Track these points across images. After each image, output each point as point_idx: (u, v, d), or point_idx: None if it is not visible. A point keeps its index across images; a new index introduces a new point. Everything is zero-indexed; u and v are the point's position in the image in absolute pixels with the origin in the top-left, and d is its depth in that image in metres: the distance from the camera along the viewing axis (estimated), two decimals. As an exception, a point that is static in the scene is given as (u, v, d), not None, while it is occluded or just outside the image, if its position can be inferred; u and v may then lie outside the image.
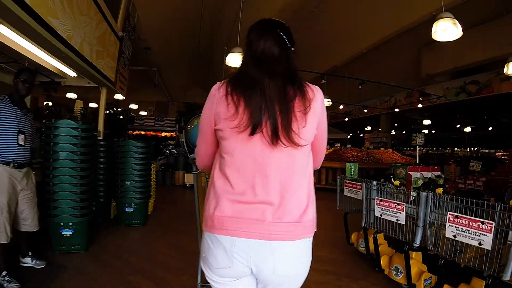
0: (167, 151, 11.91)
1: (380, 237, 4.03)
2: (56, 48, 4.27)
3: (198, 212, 2.78)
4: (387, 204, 3.43)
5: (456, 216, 2.66)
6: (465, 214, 2.72)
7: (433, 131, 29.98)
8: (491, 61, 11.36)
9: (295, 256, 1.35)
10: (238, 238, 1.29)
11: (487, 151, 23.74)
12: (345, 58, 11.60)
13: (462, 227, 2.63)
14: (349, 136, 23.00)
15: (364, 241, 4.32)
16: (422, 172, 7.15)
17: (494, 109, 17.67)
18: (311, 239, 1.42)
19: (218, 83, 1.38)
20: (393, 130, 23.47)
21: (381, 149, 15.00)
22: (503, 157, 18.70)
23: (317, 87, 1.41)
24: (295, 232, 1.32)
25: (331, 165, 11.49)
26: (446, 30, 4.91)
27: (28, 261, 3.76)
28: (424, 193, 3.09)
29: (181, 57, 13.94)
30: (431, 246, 3.01)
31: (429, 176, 7.21)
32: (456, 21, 4.78)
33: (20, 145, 3.43)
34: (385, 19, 8.90)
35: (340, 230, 5.48)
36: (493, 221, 2.50)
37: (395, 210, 3.33)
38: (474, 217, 2.61)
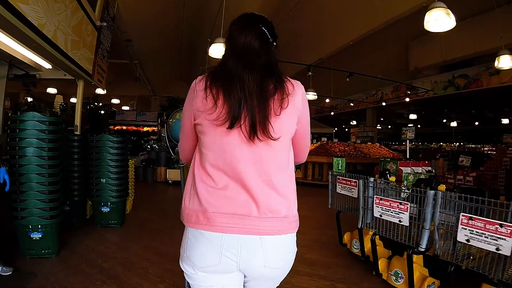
0: (148, 146, 11.48)
1: (376, 237, 3.72)
2: (27, 37, 4.01)
3: None
4: (388, 204, 3.09)
5: (471, 218, 2.34)
6: (469, 213, 2.45)
7: (419, 126, 29.96)
8: (481, 54, 11.27)
9: (284, 248, 1.36)
10: (227, 234, 1.28)
11: (473, 146, 23.80)
12: (332, 51, 11.37)
13: (477, 230, 2.32)
14: (334, 130, 22.80)
15: (358, 242, 3.99)
16: (412, 167, 6.99)
17: (482, 103, 17.62)
18: (295, 234, 1.42)
19: (199, 77, 1.37)
20: (378, 125, 23.33)
21: (368, 143, 14.83)
22: (489, 152, 18.87)
23: (298, 82, 1.41)
24: (281, 227, 1.32)
25: (318, 160, 11.26)
26: (438, 20, 4.75)
27: (-8, 268, 3.39)
28: (432, 192, 2.77)
29: (163, 50, 13.67)
30: (439, 251, 2.68)
31: (420, 171, 7.05)
32: (449, 11, 4.65)
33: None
34: (373, 10, 8.74)
35: (331, 228, 5.22)
36: (506, 221, 2.22)
37: (397, 210, 2.99)
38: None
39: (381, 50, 13.08)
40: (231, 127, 1.25)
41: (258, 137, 1.27)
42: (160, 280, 3.47)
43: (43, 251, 3.89)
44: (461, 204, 2.57)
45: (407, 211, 2.92)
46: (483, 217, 2.35)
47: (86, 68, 6.23)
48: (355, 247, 4.10)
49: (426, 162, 7.39)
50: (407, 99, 15.23)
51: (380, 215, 3.19)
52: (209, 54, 6.77)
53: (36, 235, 3.83)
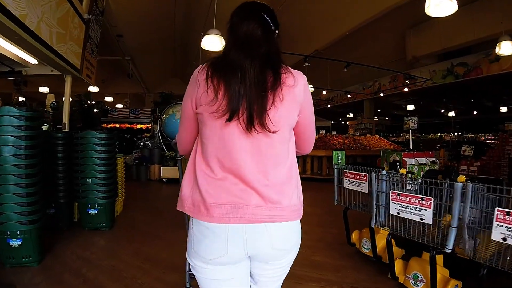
0: (141, 143, 11.11)
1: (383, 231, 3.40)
2: (8, 28, 3.73)
3: None
4: (407, 200, 2.71)
5: (508, 213, 2.00)
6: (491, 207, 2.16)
7: (416, 117, 29.55)
8: (481, 41, 11.09)
9: (289, 230, 1.37)
10: (231, 224, 1.28)
11: (473, 135, 23.60)
12: (327, 42, 11.25)
13: (517, 226, 1.98)
14: (331, 123, 22.51)
15: (369, 242, 3.61)
16: (417, 158, 6.72)
17: (482, 91, 17.34)
18: (298, 221, 1.43)
19: (200, 66, 1.36)
20: (375, 117, 23.04)
21: (368, 135, 14.58)
22: (487, 141, 18.75)
23: (300, 72, 1.39)
24: (282, 216, 1.33)
25: (317, 154, 10.91)
26: (439, 4, 4.46)
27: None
28: (460, 184, 2.39)
29: (156, 46, 13.49)
30: (470, 252, 2.33)
31: (424, 162, 6.78)
32: (452, -6, 4.31)
33: None
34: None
35: (334, 226, 4.94)
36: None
37: (418, 206, 2.62)
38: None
39: (377, 40, 12.94)
40: (229, 119, 1.25)
41: (255, 129, 1.26)
42: (150, 291, 3.12)
43: (23, 260, 3.56)
44: (488, 197, 2.26)
45: (430, 208, 2.55)
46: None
47: (73, 62, 5.92)
48: (365, 247, 3.72)
49: (430, 152, 7.16)
50: (406, 89, 14.94)
51: (398, 213, 2.82)
52: (202, 46, 6.57)
53: (15, 242, 3.50)
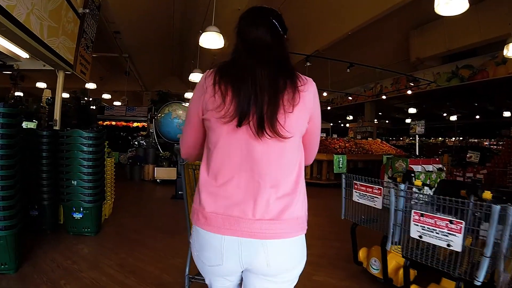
0: (136, 142, 10.81)
1: (398, 253, 2.94)
2: None
3: (186, 206, 2.64)
4: (433, 222, 2.30)
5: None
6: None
7: (411, 121, 29.17)
8: (487, 43, 10.85)
9: (287, 252, 1.29)
10: (226, 236, 1.25)
11: (476, 140, 23.31)
12: (329, 42, 10.97)
13: None
14: (330, 126, 22.18)
15: (378, 262, 3.24)
16: (423, 165, 6.40)
17: (487, 95, 17.02)
18: (302, 235, 1.34)
19: (208, 71, 1.35)
20: (375, 120, 22.75)
21: (369, 139, 14.23)
22: (490, 146, 18.43)
23: (310, 79, 1.36)
24: (282, 230, 1.26)
25: (317, 157, 10.37)
26: (449, 2, 4.15)
27: None
28: (497, 207, 2.01)
29: (154, 43, 13.33)
30: (503, 286, 1.97)
31: (431, 169, 6.48)
32: (463, -9, 4.05)
33: None
34: None
35: (338, 239, 4.64)
36: None
37: (446, 230, 2.22)
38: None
39: (380, 40, 12.73)
40: (239, 124, 1.23)
41: (267, 134, 1.22)
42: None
43: (1, 266, 3.26)
44: None
45: (460, 233, 2.15)
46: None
47: (66, 57, 5.76)
48: (373, 267, 3.32)
49: (437, 159, 6.88)
50: (409, 92, 14.64)
51: (420, 236, 2.40)
52: (200, 44, 6.39)
53: (-11, 248, 3.16)
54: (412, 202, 2.65)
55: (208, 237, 1.28)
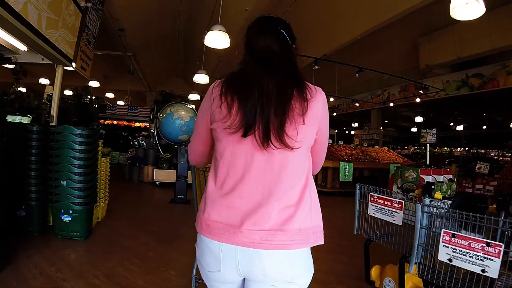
0: (136, 142, 10.54)
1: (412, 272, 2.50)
2: None
3: (196, 209, 2.55)
4: (466, 244, 1.96)
5: None
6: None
7: (422, 129, 28.93)
8: (498, 51, 10.69)
9: (284, 264, 1.26)
10: (224, 244, 1.25)
11: (482, 151, 22.97)
12: (336, 46, 10.74)
13: None
14: (335, 132, 21.85)
15: (393, 282, 2.86)
16: (434, 176, 6.14)
17: (498, 104, 16.64)
18: (306, 249, 1.31)
19: (216, 81, 1.37)
20: (381, 127, 22.44)
21: (376, 147, 13.89)
22: (499, 157, 18.22)
23: (319, 88, 1.36)
24: (276, 241, 1.22)
25: (323, 164, 10.26)
26: (464, 7, 4.00)
27: None
28: None
29: (159, 42, 13.14)
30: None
31: (441, 180, 6.22)
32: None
33: None
34: (382, 2, 8.19)
35: (346, 253, 4.33)
36: None
37: (481, 254, 1.89)
38: None
39: (389, 47, 12.59)
40: (245, 135, 1.22)
41: (272, 144, 1.21)
42: None
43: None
44: None
45: (499, 257, 1.82)
46: None
47: (65, 52, 5.52)
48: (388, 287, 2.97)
49: (448, 169, 6.68)
50: (418, 99, 14.38)
51: (450, 260, 2.06)
52: (205, 43, 6.17)
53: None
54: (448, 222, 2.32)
55: (208, 242, 1.28)
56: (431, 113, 20.84)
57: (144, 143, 10.34)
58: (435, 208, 2.36)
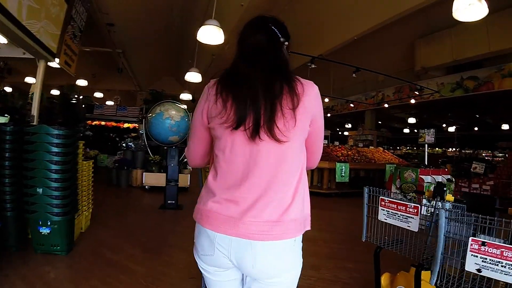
0: (124, 144, 10.16)
1: (425, 277, 2.26)
2: None
3: None
4: (498, 253, 1.71)
5: None
6: None
7: (415, 130, 29.25)
8: (494, 55, 10.85)
9: (275, 256, 1.31)
10: (218, 233, 1.30)
11: (471, 151, 23.44)
12: (332, 47, 10.73)
13: None
14: (329, 133, 21.76)
15: None
16: (433, 176, 6.15)
17: (491, 107, 16.88)
18: (297, 238, 1.35)
19: (211, 81, 1.40)
20: (375, 128, 22.57)
21: (371, 147, 13.97)
22: (492, 158, 18.66)
23: (310, 82, 1.39)
24: (273, 232, 1.27)
25: (318, 165, 10.01)
26: (467, 8, 3.91)
27: None
28: None
29: (150, 39, 12.77)
30: None
31: (440, 180, 6.19)
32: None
33: None
34: (379, 4, 8.21)
35: (350, 259, 4.10)
36: None
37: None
38: None
39: (385, 48, 12.72)
40: (236, 128, 1.27)
41: (261, 138, 1.25)
42: None
43: None
44: None
45: None
46: None
47: (48, 45, 5.23)
48: None
49: (446, 169, 6.79)
50: (413, 101, 14.43)
51: (479, 270, 1.79)
52: (198, 39, 5.89)
53: None
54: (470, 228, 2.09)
55: (204, 229, 1.32)
56: (424, 114, 21.12)
57: (133, 145, 9.95)
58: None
